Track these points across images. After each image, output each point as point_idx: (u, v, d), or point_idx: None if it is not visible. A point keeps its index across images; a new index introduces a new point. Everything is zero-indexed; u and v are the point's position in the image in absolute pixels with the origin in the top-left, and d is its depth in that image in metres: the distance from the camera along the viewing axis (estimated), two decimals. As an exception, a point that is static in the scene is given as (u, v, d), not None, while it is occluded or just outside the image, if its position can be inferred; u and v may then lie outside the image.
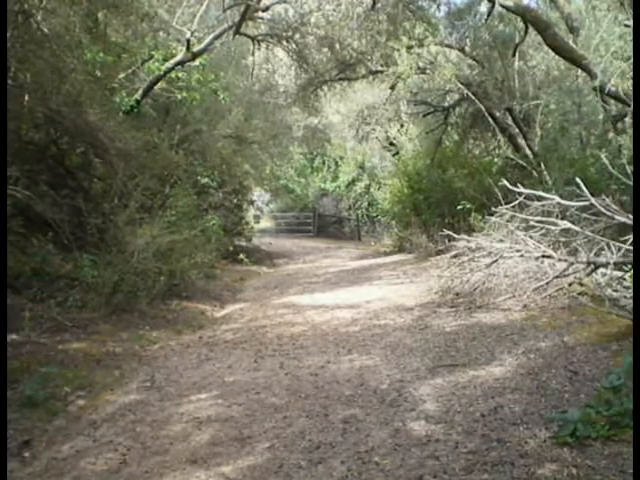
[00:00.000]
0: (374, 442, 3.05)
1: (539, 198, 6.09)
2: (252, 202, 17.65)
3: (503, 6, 9.05)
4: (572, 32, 9.85)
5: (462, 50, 11.39)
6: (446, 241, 8.25)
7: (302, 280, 10.50)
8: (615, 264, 5.06)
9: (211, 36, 8.97)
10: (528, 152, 10.66)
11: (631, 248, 4.82)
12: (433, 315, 6.21)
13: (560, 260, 5.60)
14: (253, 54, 11.13)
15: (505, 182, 6.47)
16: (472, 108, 11.79)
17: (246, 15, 9.07)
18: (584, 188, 5.38)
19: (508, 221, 6.42)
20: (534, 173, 9.72)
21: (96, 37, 7.18)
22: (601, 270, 5.36)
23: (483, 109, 10.64)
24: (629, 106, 7.70)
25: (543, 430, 2.97)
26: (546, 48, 9.46)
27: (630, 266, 5.02)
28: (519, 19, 9.71)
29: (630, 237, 4.89)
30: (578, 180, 5.52)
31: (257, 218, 19.56)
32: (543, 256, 5.73)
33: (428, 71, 10.95)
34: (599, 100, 8.80)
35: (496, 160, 12.28)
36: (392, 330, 5.71)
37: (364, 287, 8.84)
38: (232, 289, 9.55)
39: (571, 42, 8.93)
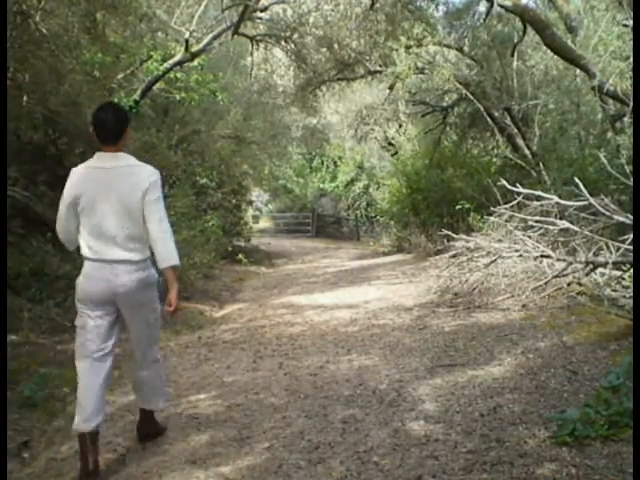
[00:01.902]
0: (373, 442, 3.05)
1: (538, 198, 6.09)
2: (251, 202, 17.71)
3: (501, 6, 9.06)
4: (571, 32, 9.87)
5: (460, 50, 11.40)
6: (445, 241, 8.25)
7: (301, 280, 10.50)
8: (614, 264, 5.05)
9: (210, 36, 8.96)
10: (527, 152, 10.65)
11: (630, 247, 4.83)
12: (432, 315, 6.21)
13: (559, 260, 5.60)
14: (252, 54, 11.15)
15: (504, 182, 6.48)
16: (471, 108, 11.79)
17: (245, 15, 9.08)
18: (583, 188, 5.38)
19: (507, 221, 6.42)
20: (533, 173, 9.72)
21: (94, 37, 7.17)
22: (600, 270, 5.36)
23: (482, 109, 10.65)
24: (628, 106, 7.70)
25: (542, 430, 2.96)
26: (545, 48, 9.45)
27: (629, 265, 5.03)
28: (518, 19, 9.72)
29: (629, 236, 4.90)
30: (577, 180, 5.52)
31: (256, 218, 19.64)
32: (542, 256, 5.73)
33: (427, 71, 10.97)
34: (598, 100, 8.80)
35: (495, 160, 12.28)
36: (391, 330, 5.71)
37: (363, 287, 8.83)
38: (231, 289, 9.55)
39: (570, 42, 8.94)
